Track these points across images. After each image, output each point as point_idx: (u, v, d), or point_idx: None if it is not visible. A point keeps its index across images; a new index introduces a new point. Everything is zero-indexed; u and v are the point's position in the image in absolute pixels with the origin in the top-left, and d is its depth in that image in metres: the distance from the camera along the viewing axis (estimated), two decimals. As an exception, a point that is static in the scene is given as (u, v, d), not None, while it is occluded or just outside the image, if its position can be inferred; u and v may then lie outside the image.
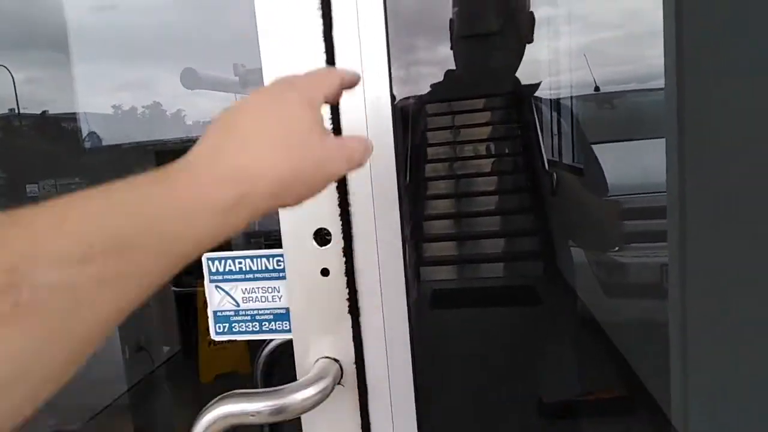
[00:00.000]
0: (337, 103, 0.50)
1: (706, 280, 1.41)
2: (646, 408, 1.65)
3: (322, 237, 0.50)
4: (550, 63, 1.83)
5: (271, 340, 0.56)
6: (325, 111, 0.51)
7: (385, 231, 0.50)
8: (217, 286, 0.54)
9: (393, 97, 0.53)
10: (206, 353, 3.22)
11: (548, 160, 1.67)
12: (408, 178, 1.58)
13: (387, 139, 0.51)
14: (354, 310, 0.50)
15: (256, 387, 0.57)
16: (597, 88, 2.21)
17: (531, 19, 1.38)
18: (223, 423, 0.45)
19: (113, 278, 0.31)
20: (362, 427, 0.51)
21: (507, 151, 1.72)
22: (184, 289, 3.50)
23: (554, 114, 1.79)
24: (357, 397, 0.50)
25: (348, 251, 0.50)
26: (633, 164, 2.06)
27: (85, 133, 3.07)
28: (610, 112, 2.40)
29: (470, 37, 1.45)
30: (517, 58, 1.39)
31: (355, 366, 0.50)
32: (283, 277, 0.52)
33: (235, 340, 0.54)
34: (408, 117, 1.56)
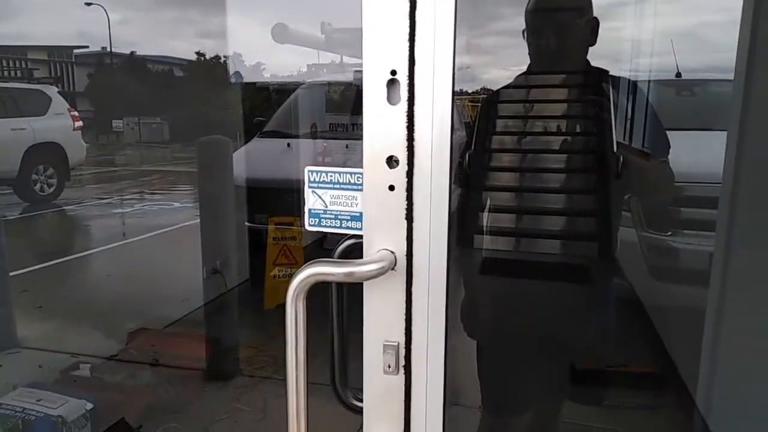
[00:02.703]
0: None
1: (749, 274, 1.41)
2: (673, 386, 1.73)
3: (392, 162, 0.67)
4: (633, 44, 1.82)
5: (345, 240, 0.72)
6: (404, 73, 0.65)
7: (439, 163, 0.67)
8: (313, 191, 0.73)
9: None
10: (271, 284, 3.54)
11: (617, 143, 1.68)
12: (473, 146, 1.62)
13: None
14: (410, 217, 0.68)
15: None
16: (678, 74, 2.16)
17: (594, 24, 1.43)
18: (312, 279, 0.65)
19: None
20: (406, 301, 0.70)
21: (578, 129, 1.72)
22: (257, 225, 3.82)
23: (630, 96, 1.80)
24: (405, 278, 0.69)
25: (410, 174, 0.67)
26: (702, 154, 2.03)
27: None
28: (689, 99, 2.35)
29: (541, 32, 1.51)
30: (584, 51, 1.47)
31: (406, 257, 0.69)
32: (360, 189, 0.71)
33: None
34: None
